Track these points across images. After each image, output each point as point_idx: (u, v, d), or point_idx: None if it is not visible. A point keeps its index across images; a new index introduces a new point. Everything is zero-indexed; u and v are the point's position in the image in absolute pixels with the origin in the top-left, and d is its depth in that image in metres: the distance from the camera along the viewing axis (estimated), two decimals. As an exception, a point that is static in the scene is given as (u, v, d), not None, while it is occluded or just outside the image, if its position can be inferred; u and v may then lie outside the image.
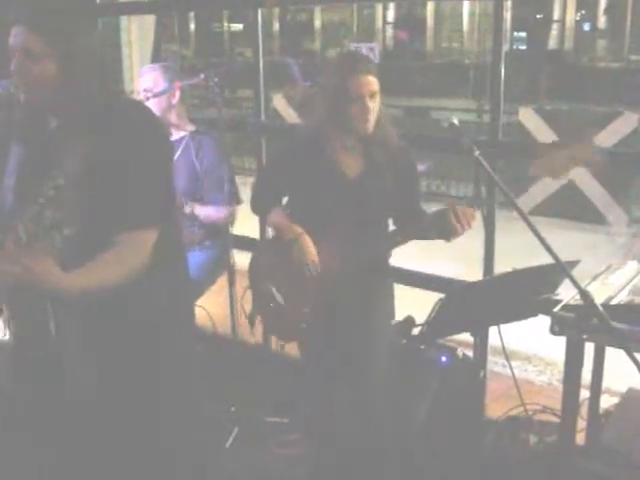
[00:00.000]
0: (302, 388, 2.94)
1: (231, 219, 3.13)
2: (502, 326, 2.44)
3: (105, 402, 1.95)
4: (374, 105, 2.41)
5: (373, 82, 2.40)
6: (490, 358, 3.09)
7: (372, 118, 2.43)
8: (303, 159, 2.56)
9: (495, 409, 3.08)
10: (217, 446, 3.00)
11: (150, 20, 4.72)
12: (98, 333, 1.91)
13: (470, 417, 2.81)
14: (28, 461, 2.20)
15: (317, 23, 16.69)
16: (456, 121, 2.11)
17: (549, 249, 1.97)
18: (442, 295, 2.25)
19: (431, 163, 4.74)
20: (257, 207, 2.76)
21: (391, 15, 17.56)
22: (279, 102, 8.63)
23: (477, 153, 2.07)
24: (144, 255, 1.81)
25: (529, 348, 3.84)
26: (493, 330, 2.90)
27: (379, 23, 16.57)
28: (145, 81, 3.10)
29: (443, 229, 2.34)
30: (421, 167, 2.78)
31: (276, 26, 16.40)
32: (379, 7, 16.10)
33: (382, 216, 2.61)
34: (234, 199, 3.15)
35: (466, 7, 15.32)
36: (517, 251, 3.69)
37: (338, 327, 2.58)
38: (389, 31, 17.58)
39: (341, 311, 2.55)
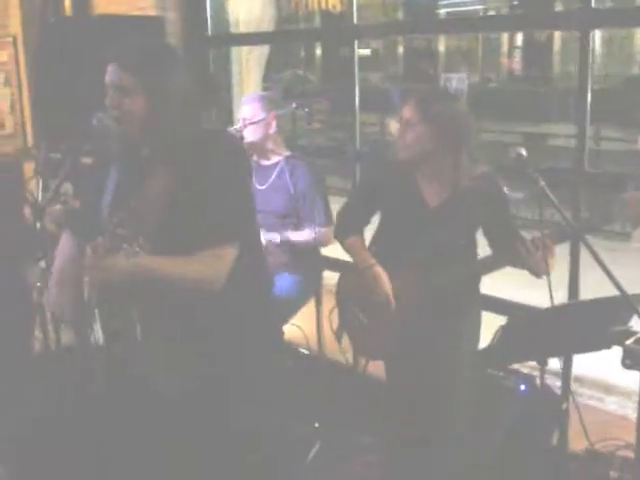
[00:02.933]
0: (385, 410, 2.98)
1: (327, 239, 3.25)
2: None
3: (187, 410, 2.05)
4: (407, 134, 2.47)
5: (406, 110, 2.48)
6: (558, 384, 3.01)
7: (402, 144, 2.49)
8: (387, 187, 2.63)
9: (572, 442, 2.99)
10: (298, 460, 3.09)
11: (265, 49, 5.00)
12: (182, 342, 2.03)
13: (549, 450, 2.76)
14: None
15: (441, 48, 16.66)
16: (523, 152, 2.14)
17: (616, 283, 1.98)
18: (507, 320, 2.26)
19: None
20: (337, 232, 2.82)
21: (520, 39, 17.28)
22: (394, 127, 8.72)
23: (542, 184, 2.08)
24: (223, 270, 1.92)
25: (608, 378, 3.67)
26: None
27: (505, 47, 16.34)
28: (245, 110, 3.31)
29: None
30: (518, 195, 2.77)
31: (400, 50, 16.52)
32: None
33: (465, 244, 2.59)
34: (329, 220, 3.27)
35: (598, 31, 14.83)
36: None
37: (420, 356, 2.60)
38: (517, 55, 17.31)
39: (424, 342, 2.57)
